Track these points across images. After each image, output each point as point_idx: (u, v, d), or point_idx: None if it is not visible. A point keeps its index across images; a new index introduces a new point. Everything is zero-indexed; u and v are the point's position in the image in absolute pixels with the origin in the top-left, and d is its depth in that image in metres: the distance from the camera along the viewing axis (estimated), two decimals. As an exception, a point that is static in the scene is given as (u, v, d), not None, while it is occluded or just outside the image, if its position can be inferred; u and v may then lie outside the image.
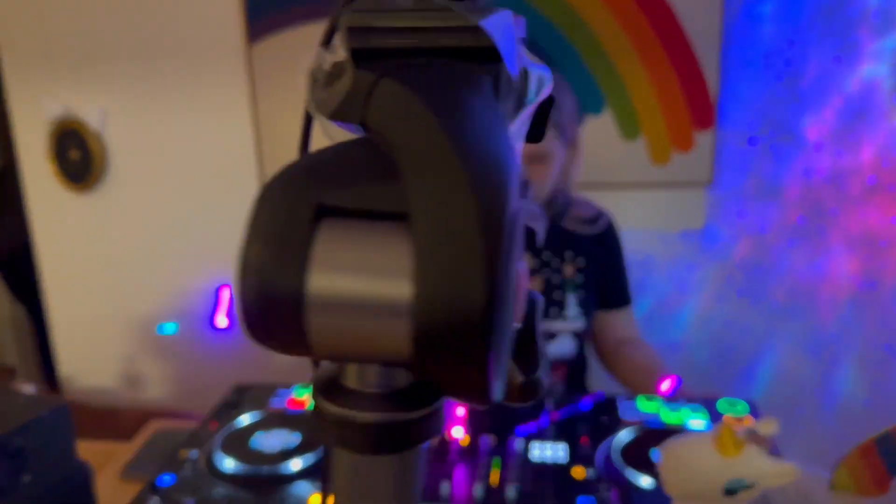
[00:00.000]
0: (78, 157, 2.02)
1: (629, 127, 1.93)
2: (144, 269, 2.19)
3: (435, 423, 0.28)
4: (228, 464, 1.09)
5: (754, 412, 1.22)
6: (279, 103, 2.01)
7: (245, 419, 1.24)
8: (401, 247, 0.24)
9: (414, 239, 0.23)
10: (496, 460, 1.10)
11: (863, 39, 1.79)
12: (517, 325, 0.27)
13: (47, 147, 2.06)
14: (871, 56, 1.79)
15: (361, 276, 0.24)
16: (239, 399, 1.33)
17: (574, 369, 1.46)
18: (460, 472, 1.07)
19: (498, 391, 0.25)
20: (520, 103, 0.30)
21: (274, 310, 0.24)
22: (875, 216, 1.91)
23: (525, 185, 0.35)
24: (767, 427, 0.62)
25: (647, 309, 2.03)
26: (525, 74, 0.30)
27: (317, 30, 1.94)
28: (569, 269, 1.42)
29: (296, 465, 1.08)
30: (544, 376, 0.40)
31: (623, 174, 1.96)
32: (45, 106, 2.05)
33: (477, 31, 0.27)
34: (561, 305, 1.41)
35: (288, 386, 1.37)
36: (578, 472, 1.07)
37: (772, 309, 2.00)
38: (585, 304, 1.43)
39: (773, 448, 0.60)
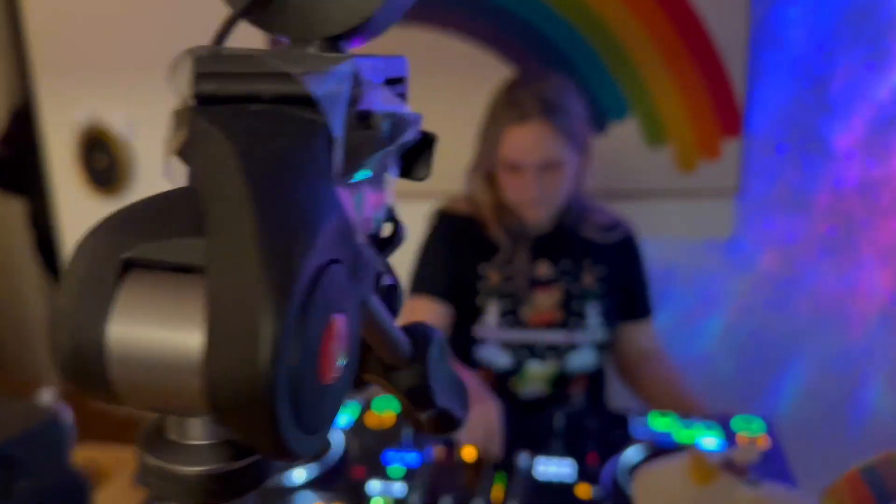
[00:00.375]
0: (105, 164, 2.06)
1: (654, 134, 1.90)
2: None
3: (260, 472, 0.28)
4: (233, 473, 1.10)
5: (770, 431, 1.19)
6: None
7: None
8: (198, 302, 0.24)
9: (206, 295, 0.23)
10: (500, 475, 1.09)
11: (894, 46, 1.74)
12: (344, 360, 0.27)
13: (75, 153, 2.11)
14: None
15: (157, 329, 0.24)
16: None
17: (595, 382, 1.43)
18: (463, 488, 1.06)
19: (302, 447, 0.25)
20: (372, 147, 0.30)
21: (80, 359, 0.25)
22: (908, 228, 1.85)
23: (397, 236, 0.35)
24: (745, 455, 0.60)
25: (671, 320, 1.99)
26: (376, 118, 0.30)
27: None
28: (588, 279, 1.40)
29: (299, 475, 1.09)
30: (454, 407, 0.40)
31: (648, 181, 1.93)
32: (73, 113, 2.10)
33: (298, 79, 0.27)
34: (581, 315, 1.39)
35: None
36: (583, 490, 1.05)
37: (799, 322, 1.95)
38: (607, 314, 1.41)
39: (755, 475, 0.59)
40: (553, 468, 1.10)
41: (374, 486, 1.07)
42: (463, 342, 1.42)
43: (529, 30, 1.89)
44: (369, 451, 1.16)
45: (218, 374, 0.22)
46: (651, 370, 1.44)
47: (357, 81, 0.29)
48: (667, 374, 1.42)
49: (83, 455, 1.39)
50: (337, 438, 1.18)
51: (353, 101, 0.29)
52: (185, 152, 0.27)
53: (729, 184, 1.89)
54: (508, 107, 1.27)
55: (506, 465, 1.11)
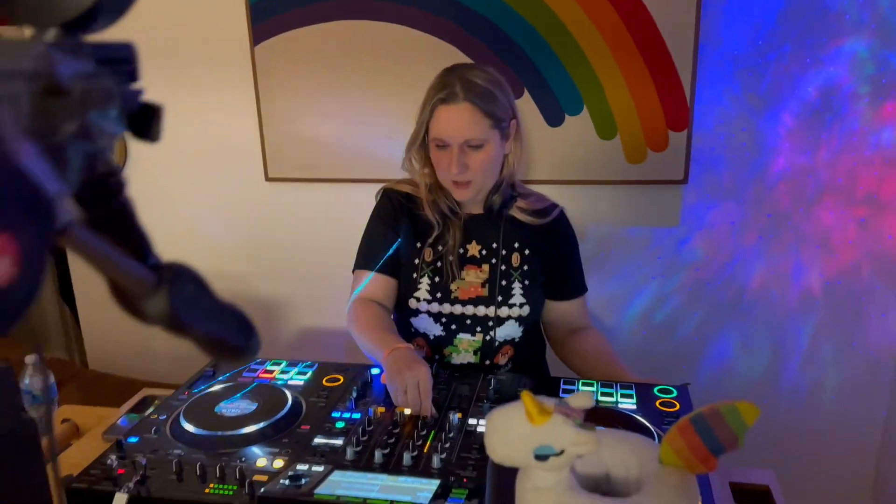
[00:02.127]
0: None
1: (606, 127, 1.92)
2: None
3: None
4: (188, 428, 1.13)
5: (680, 396, 1.23)
6: (280, 100, 2.05)
7: (214, 388, 1.27)
8: None
9: None
10: (433, 433, 1.12)
11: (820, 43, 1.75)
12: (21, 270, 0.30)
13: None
14: (833, 59, 1.76)
15: None
16: (216, 370, 1.37)
17: (520, 349, 1.45)
18: (398, 443, 1.09)
19: None
20: (65, 112, 0.34)
21: None
22: (831, 217, 1.87)
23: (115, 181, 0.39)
24: (579, 400, 0.63)
25: (607, 298, 2.01)
26: (68, 90, 0.34)
27: (310, 32, 1.97)
28: (516, 258, 1.42)
29: (248, 431, 1.12)
30: (226, 335, 0.43)
31: (600, 172, 1.95)
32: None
33: None
34: (507, 293, 1.42)
35: (263, 361, 1.40)
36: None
37: (726, 304, 1.98)
38: (531, 292, 1.43)
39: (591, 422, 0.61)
40: (480, 428, 1.13)
41: (317, 441, 1.10)
42: (403, 313, 1.45)
43: (492, 30, 1.91)
44: (317, 410, 1.19)
45: None
46: (582, 346, 1.46)
47: (47, 61, 0.33)
48: (597, 349, 1.44)
49: (65, 413, 1.42)
50: (287, 398, 1.21)
51: (44, 76, 0.33)
52: None
53: (677, 174, 1.91)
54: (439, 89, 1.30)
55: (438, 425, 1.14)
